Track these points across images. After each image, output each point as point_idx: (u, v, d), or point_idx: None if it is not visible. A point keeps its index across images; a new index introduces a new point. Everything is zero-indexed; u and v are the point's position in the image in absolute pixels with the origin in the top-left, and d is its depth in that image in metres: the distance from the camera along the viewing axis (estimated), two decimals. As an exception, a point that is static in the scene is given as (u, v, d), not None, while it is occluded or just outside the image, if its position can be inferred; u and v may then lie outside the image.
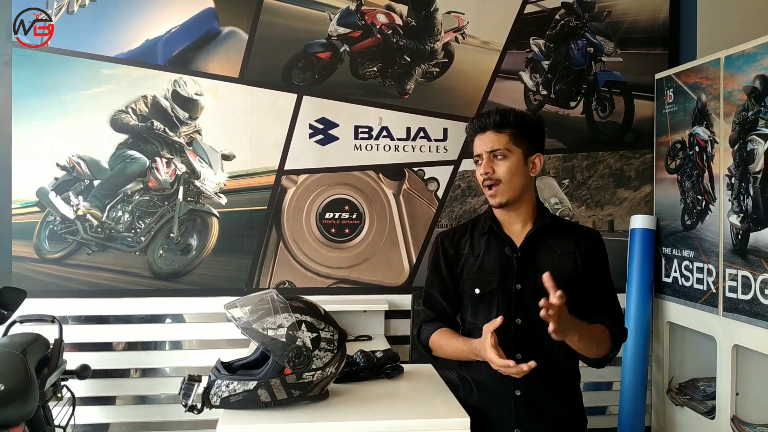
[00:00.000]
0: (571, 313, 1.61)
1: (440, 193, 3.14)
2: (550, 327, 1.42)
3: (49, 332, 2.46)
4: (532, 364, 1.45)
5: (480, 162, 1.68)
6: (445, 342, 1.73)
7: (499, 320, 1.50)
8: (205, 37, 2.99)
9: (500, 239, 1.71)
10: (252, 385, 1.58)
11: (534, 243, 1.69)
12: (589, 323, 1.65)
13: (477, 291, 1.70)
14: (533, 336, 1.62)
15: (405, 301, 3.05)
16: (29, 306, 2.52)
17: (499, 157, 1.65)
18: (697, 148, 2.82)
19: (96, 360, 2.82)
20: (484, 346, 1.52)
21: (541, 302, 1.41)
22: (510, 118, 1.66)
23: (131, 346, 2.96)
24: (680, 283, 2.91)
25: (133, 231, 2.97)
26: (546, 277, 1.45)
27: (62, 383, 2.52)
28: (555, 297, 1.41)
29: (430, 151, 3.12)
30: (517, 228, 1.72)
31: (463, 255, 1.76)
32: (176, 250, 2.99)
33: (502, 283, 1.68)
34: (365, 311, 2.99)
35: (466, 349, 1.64)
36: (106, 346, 2.94)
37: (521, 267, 1.67)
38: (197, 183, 2.99)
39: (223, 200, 3.01)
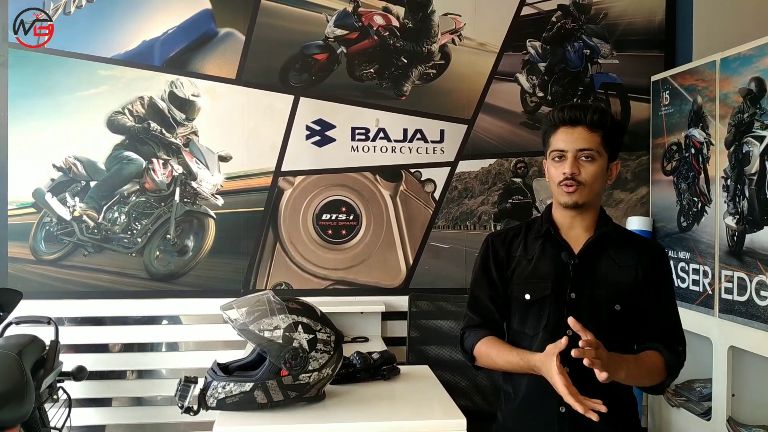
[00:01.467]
0: (627, 332, 1.55)
1: (437, 195, 3.14)
2: (601, 375, 1.30)
3: (45, 334, 2.45)
4: (602, 408, 1.29)
5: (563, 158, 1.53)
6: (495, 353, 1.56)
7: (564, 342, 1.36)
8: (202, 39, 2.99)
9: (557, 244, 1.59)
10: (248, 386, 1.58)
11: (594, 251, 1.57)
12: (641, 351, 1.55)
13: (528, 297, 1.58)
14: None
15: (402, 302, 3.05)
16: (25, 307, 2.51)
17: (588, 158, 1.52)
18: (693, 150, 2.82)
19: (92, 361, 2.82)
20: (549, 371, 1.37)
21: (574, 352, 1.29)
22: (607, 119, 1.54)
23: (127, 348, 2.95)
24: (676, 285, 2.91)
25: (129, 232, 2.97)
26: (572, 322, 1.35)
27: (58, 385, 2.52)
28: (585, 341, 1.32)
29: (427, 152, 3.12)
30: (576, 233, 1.59)
31: (515, 258, 1.63)
32: (173, 252, 2.99)
33: (556, 290, 1.55)
34: (362, 313, 2.99)
35: (522, 364, 1.48)
36: (103, 348, 2.94)
37: (578, 275, 1.55)
38: (194, 184, 2.99)
39: (220, 201, 3.01)
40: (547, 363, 1.38)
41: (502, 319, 1.66)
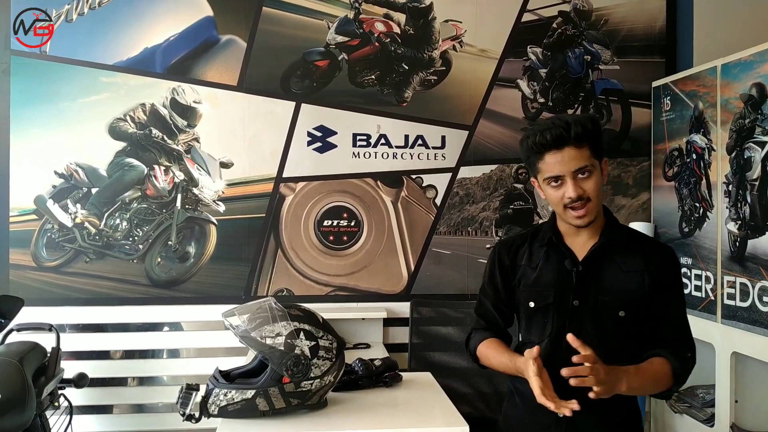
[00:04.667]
0: (632, 338, 1.53)
1: (438, 201, 3.14)
2: (592, 393, 1.32)
3: (47, 341, 2.45)
4: (575, 406, 1.32)
5: (559, 182, 1.48)
6: (492, 354, 1.62)
7: (536, 350, 1.40)
8: (203, 46, 2.99)
9: (561, 251, 1.59)
10: (250, 393, 1.57)
11: (598, 257, 1.55)
12: (647, 357, 1.52)
13: (532, 304, 1.60)
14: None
15: (403, 308, 3.05)
16: (27, 314, 2.51)
17: (585, 174, 1.47)
18: (694, 156, 2.82)
19: (93, 368, 2.80)
20: (528, 373, 1.41)
21: (564, 371, 1.32)
22: (589, 126, 1.46)
23: (129, 355, 2.95)
24: (678, 291, 2.90)
25: (131, 239, 2.97)
26: (570, 338, 1.36)
27: (59, 392, 2.51)
28: (582, 357, 1.33)
29: (428, 158, 3.12)
30: (581, 240, 1.58)
31: (521, 266, 1.64)
32: (174, 258, 2.98)
33: (559, 297, 1.56)
34: (363, 319, 2.99)
35: (511, 365, 1.54)
36: (104, 355, 2.93)
37: (581, 282, 1.55)
38: (195, 191, 2.99)
39: (222, 208, 3.01)
40: (527, 369, 1.42)
41: (506, 325, 1.70)
